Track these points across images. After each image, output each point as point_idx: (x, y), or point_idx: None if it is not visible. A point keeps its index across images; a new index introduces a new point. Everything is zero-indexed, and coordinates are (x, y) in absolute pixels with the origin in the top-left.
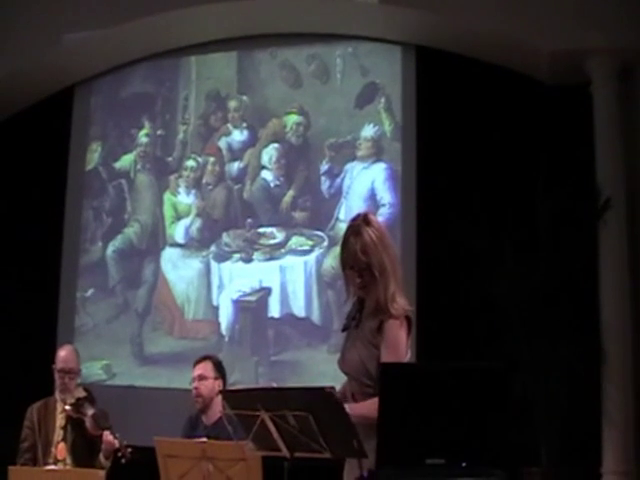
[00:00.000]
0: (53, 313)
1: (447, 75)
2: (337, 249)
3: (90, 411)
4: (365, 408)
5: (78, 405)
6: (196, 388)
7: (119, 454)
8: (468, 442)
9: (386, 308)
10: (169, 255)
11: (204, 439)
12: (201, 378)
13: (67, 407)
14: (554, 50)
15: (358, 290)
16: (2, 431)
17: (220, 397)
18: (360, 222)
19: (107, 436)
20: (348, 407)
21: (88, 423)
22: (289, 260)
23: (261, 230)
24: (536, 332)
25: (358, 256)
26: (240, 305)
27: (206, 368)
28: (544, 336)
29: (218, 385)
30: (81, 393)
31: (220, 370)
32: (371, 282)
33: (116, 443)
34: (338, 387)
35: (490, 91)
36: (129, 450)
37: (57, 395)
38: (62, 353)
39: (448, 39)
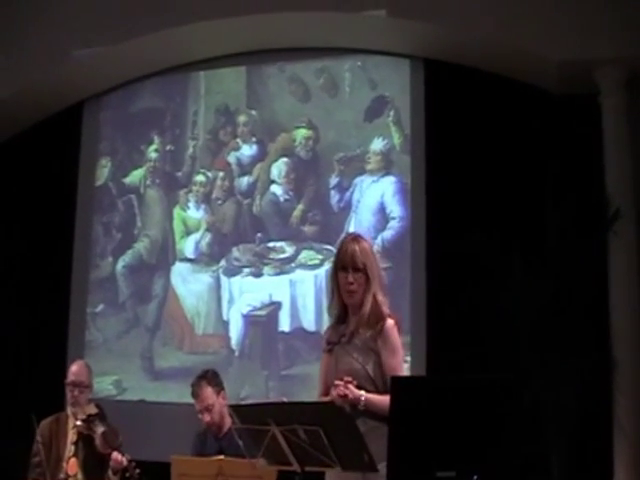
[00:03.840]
0: (63, 328)
1: (455, 87)
2: None
3: (100, 429)
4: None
5: (89, 421)
6: (207, 422)
7: (127, 474)
8: (479, 454)
9: (381, 313)
10: (179, 270)
11: (221, 456)
12: (208, 409)
13: (78, 423)
14: (562, 60)
15: (347, 293)
16: (13, 446)
17: (227, 408)
18: (355, 235)
19: (115, 455)
20: (372, 397)
21: (98, 441)
22: (299, 274)
23: (271, 244)
24: (546, 343)
25: (357, 256)
26: (250, 319)
27: (206, 395)
28: (554, 347)
29: (222, 398)
30: (93, 409)
31: (218, 383)
32: (362, 285)
33: (124, 462)
34: None
35: (499, 102)
36: (137, 471)
37: (68, 410)
38: (73, 367)
39: (456, 51)
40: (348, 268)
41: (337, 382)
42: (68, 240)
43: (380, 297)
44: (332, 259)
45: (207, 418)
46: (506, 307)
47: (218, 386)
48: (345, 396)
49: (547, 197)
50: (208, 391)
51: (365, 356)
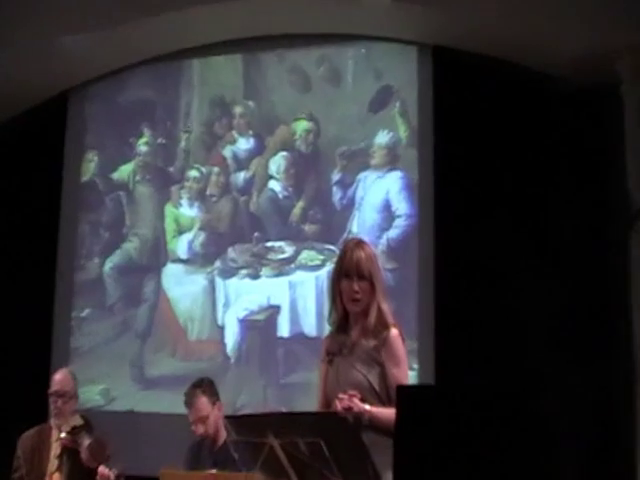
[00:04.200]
0: (47, 334)
1: (466, 77)
2: None
3: (86, 441)
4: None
5: (74, 434)
6: (201, 434)
7: None
8: (490, 470)
9: (386, 322)
10: (171, 271)
11: (213, 470)
12: (202, 420)
13: (62, 435)
14: (581, 49)
15: (351, 302)
16: None
17: (223, 420)
18: (359, 241)
19: (102, 470)
20: (377, 410)
21: (84, 454)
22: (299, 276)
23: (269, 244)
24: (563, 349)
25: (362, 264)
26: (247, 324)
27: (201, 406)
28: (571, 353)
29: (218, 409)
30: (78, 421)
31: (213, 393)
32: (367, 293)
33: (112, 477)
34: None
35: (512, 93)
36: None
37: (52, 422)
38: (57, 376)
39: (467, 38)
40: (353, 276)
41: (341, 395)
42: (52, 240)
43: (385, 306)
44: (334, 260)
45: (201, 430)
46: (520, 311)
47: (214, 396)
48: (350, 409)
49: (564, 193)
50: (203, 401)
51: (369, 368)
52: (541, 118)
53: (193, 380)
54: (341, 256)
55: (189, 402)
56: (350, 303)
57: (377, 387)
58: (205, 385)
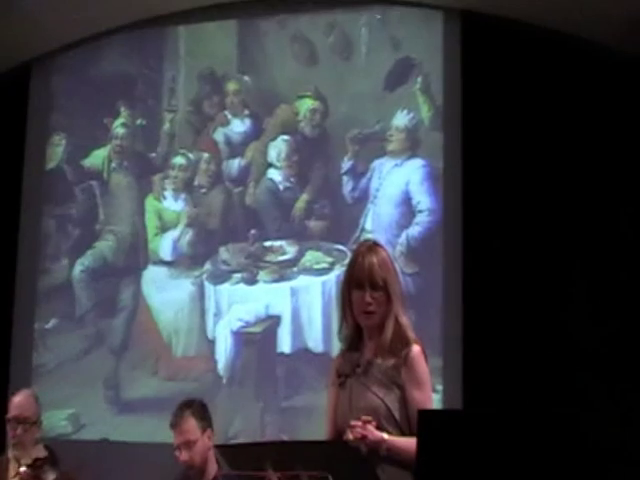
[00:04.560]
0: (5, 349)
1: (500, 47)
2: None
3: (51, 476)
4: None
5: (36, 467)
6: (185, 461)
7: None
8: None
9: (406, 337)
10: (152, 275)
11: None
12: (188, 445)
13: (22, 469)
14: (632, 12)
15: (364, 315)
16: None
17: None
18: (372, 244)
19: None
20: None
21: None
22: (303, 281)
23: (268, 244)
24: (615, 370)
25: (375, 271)
26: (242, 338)
27: (189, 428)
28: (625, 375)
29: (208, 437)
30: (41, 452)
31: (205, 417)
32: (382, 305)
33: None
34: None
35: (555, 66)
36: None
37: (10, 453)
38: (16, 399)
39: (500, 1)
40: (365, 286)
41: (354, 422)
42: (11, 238)
43: (403, 319)
44: (344, 262)
45: (184, 457)
46: (561, 323)
47: (204, 421)
48: (364, 438)
49: (620, 188)
50: (191, 424)
51: (386, 390)
52: (587, 94)
53: (177, 403)
54: (351, 263)
55: (175, 422)
56: (362, 316)
57: (396, 413)
58: (196, 406)
